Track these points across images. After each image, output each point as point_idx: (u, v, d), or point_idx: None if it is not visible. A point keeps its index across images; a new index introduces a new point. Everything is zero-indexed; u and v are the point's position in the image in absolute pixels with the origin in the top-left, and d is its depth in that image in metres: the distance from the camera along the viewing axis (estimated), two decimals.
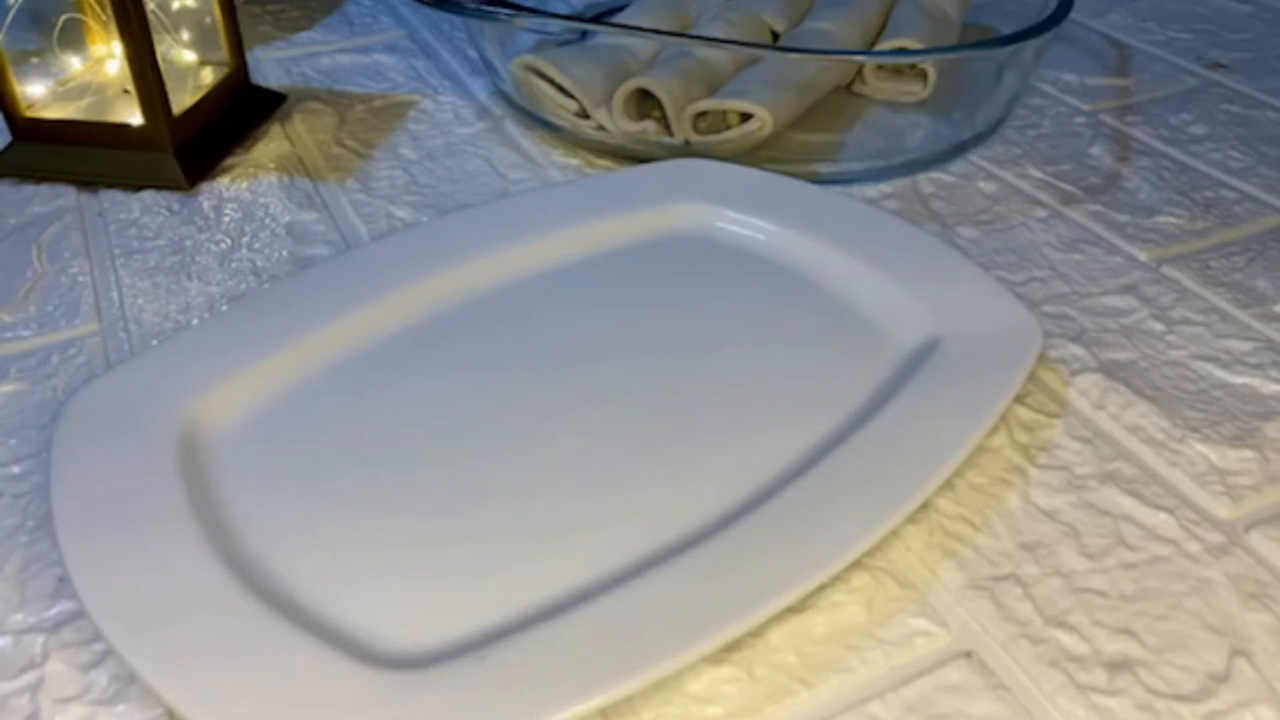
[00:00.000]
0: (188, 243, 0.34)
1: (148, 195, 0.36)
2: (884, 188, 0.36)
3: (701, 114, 0.37)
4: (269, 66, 0.45)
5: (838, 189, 0.34)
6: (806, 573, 0.21)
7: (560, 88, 0.38)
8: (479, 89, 0.43)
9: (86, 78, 0.37)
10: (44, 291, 0.31)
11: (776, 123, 0.36)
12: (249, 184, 0.37)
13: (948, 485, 0.24)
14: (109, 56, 0.37)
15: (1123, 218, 0.35)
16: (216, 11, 0.37)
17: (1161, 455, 0.26)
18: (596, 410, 0.25)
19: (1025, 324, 0.27)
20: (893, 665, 0.21)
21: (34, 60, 0.36)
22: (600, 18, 0.45)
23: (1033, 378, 0.27)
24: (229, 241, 0.34)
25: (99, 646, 0.21)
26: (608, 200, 0.33)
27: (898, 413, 0.25)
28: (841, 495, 0.22)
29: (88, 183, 0.36)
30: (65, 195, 0.36)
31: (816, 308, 0.29)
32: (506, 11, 0.38)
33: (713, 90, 0.37)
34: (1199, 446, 0.26)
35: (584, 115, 0.38)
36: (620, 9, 0.44)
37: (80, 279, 0.32)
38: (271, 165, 0.38)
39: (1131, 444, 0.26)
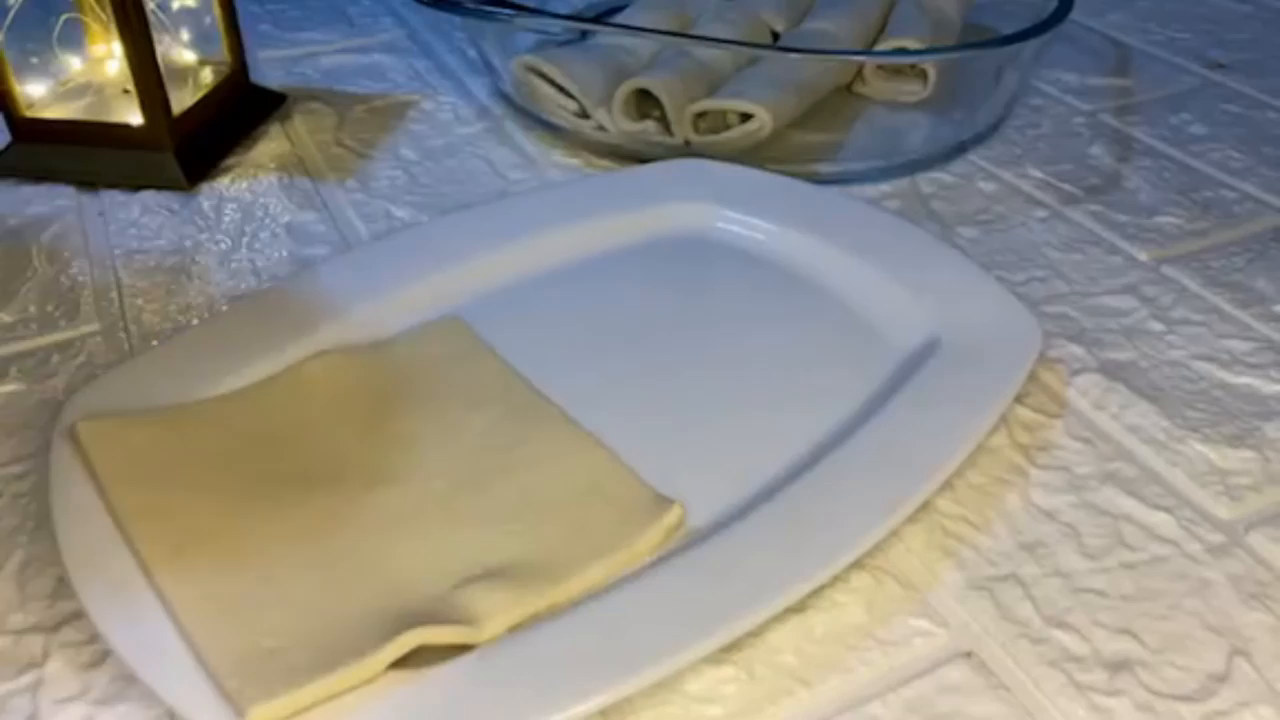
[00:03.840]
0: (188, 243, 0.34)
1: (148, 195, 0.36)
2: (884, 187, 0.36)
3: (701, 114, 0.37)
4: (269, 66, 0.44)
5: (838, 189, 0.34)
6: (806, 573, 0.21)
7: (560, 88, 0.38)
8: (479, 89, 0.43)
9: (86, 78, 0.37)
10: (44, 292, 0.31)
11: (776, 122, 0.36)
12: (249, 184, 0.37)
13: (948, 485, 0.24)
14: (109, 56, 0.37)
15: (1123, 218, 0.35)
16: (217, 11, 0.37)
17: (1162, 455, 0.25)
18: (595, 410, 0.25)
19: (1025, 324, 0.27)
20: (892, 665, 0.21)
21: (34, 60, 0.36)
22: (600, 18, 0.45)
23: (1033, 377, 0.27)
24: (229, 241, 0.34)
25: (99, 646, 0.21)
26: (608, 200, 0.33)
27: (897, 412, 0.25)
28: (841, 495, 0.22)
29: (88, 183, 0.36)
30: (65, 195, 0.36)
31: (816, 307, 0.29)
32: (507, 11, 0.37)
33: (713, 90, 0.37)
34: (1199, 446, 0.26)
35: (584, 115, 0.38)
36: (620, 9, 0.44)
37: (80, 279, 0.32)
38: (271, 165, 0.38)
39: (1131, 444, 0.26)
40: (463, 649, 0.20)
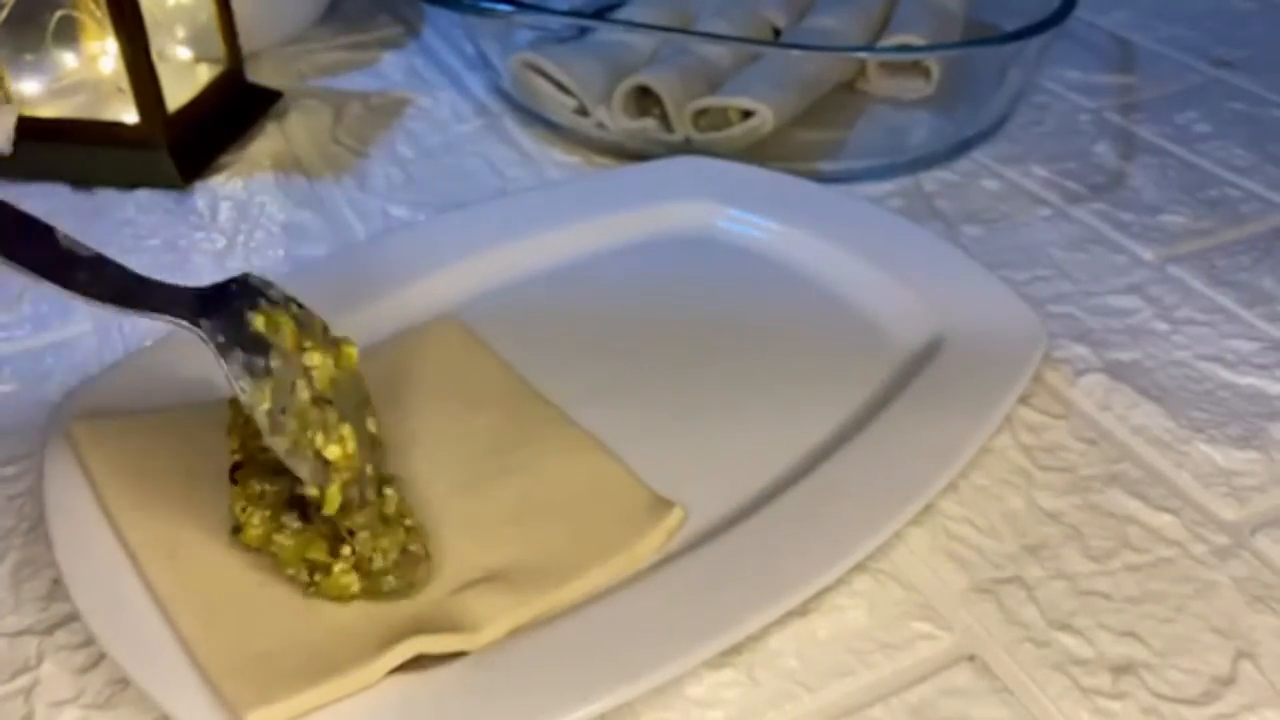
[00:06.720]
0: (182, 242, 0.34)
1: (142, 194, 0.36)
2: (887, 186, 0.36)
3: (702, 111, 0.36)
4: (265, 63, 0.44)
5: (840, 187, 0.34)
6: (808, 575, 0.21)
7: (560, 85, 0.38)
8: (477, 86, 0.43)
9: (81, 75, 0.37)
10: (38, 292, 0.31)
11: (778, 120, 0.36)
12: (245, 182, 0.36)
13: (951, 487, 0.24)
14: (103, 54, 0.37)
15: (1128, 216, 0.35)
16: (212, 8, 0.37)
17: (1167, 456, 0.25)
18: (594, 411, 0.25)
19: (1029, 324, 0.27)
20: (895, 669, 0.21)
21: (28, 58, 0.36)
22: (600, 14, 0.45)
23: (1037, 378, 0.27)
24: (224, 240, 0.34)
25: (94, 650, 0.21)
26: (607, 198, 0.33)
27: (900, 413, 0.24)
28: (844, 497, 0.22)
29: (82, 181, 0.36)
30: (59, 194, 0.36)
31: (818, 307, 0.29)
32: (505, 7, 0.37)
33: (713, 87, 0.37)
34: (1204, 447, 0.26)
35: (583, 113, 0.38)
36: (620, 5, 0.44)
37: None
38: (267, 163, 0.37)
39: (1136, 445, 0.26)
40: (463, 652, 0.20)
